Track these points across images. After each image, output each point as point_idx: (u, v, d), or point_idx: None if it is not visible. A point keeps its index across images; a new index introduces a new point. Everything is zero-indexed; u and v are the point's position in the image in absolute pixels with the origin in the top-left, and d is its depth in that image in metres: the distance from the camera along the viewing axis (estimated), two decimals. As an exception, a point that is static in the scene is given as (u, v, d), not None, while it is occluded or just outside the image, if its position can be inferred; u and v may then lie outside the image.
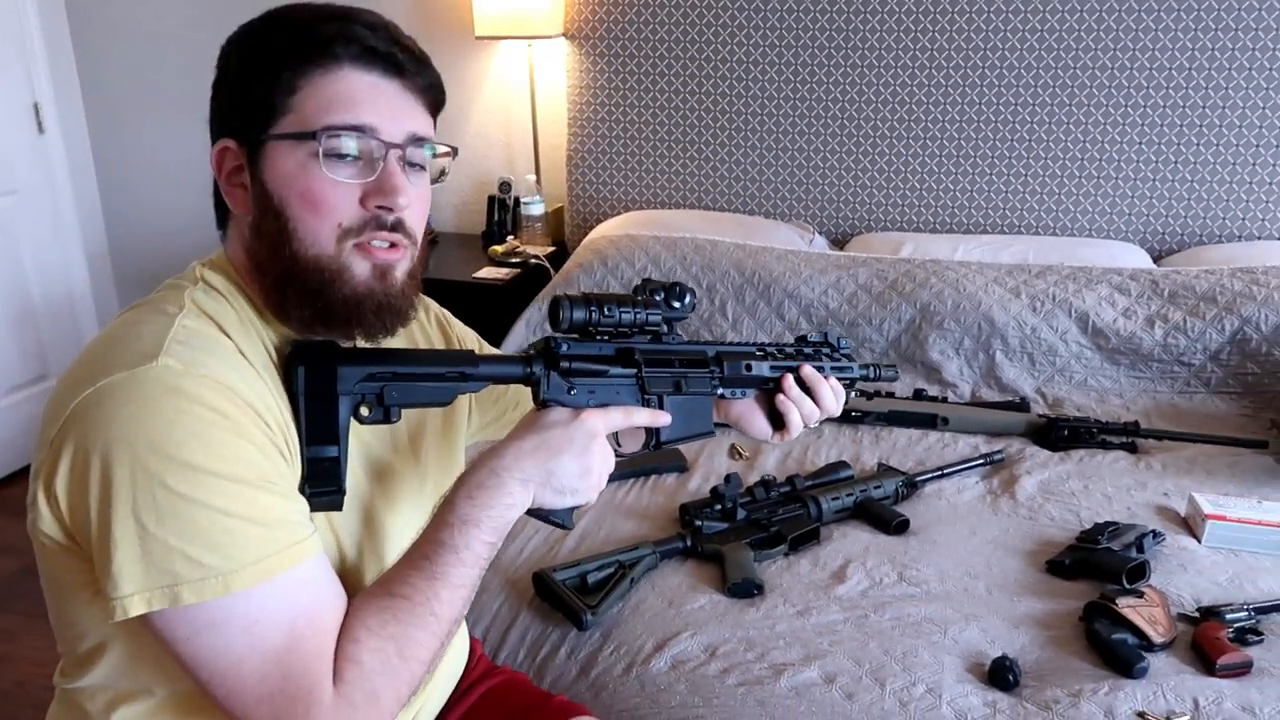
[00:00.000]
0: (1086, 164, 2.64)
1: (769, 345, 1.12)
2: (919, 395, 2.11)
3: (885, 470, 1.78)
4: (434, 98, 0.87)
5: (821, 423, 1.95)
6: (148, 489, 0.70)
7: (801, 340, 1.16)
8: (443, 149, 0.88)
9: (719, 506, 1.60)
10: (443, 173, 0.91)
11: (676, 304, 0.97)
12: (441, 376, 0.86)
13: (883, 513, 1.64)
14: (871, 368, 1.21)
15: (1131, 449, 1.92)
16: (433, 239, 3.15)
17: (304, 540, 0.77)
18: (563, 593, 1.39)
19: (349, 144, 0.80)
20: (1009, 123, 2.65)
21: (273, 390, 0.81)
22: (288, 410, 0.81)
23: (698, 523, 1.56)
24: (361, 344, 0.88)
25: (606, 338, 0.95)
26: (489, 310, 2.68)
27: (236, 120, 0.82)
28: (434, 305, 1.16)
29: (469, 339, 1.17)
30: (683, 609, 1.39)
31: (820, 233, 2.82)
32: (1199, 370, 2.17)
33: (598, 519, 1.65)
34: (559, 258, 2.95)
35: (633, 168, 2.96)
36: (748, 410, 1.12)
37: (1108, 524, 1.56)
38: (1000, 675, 1.24)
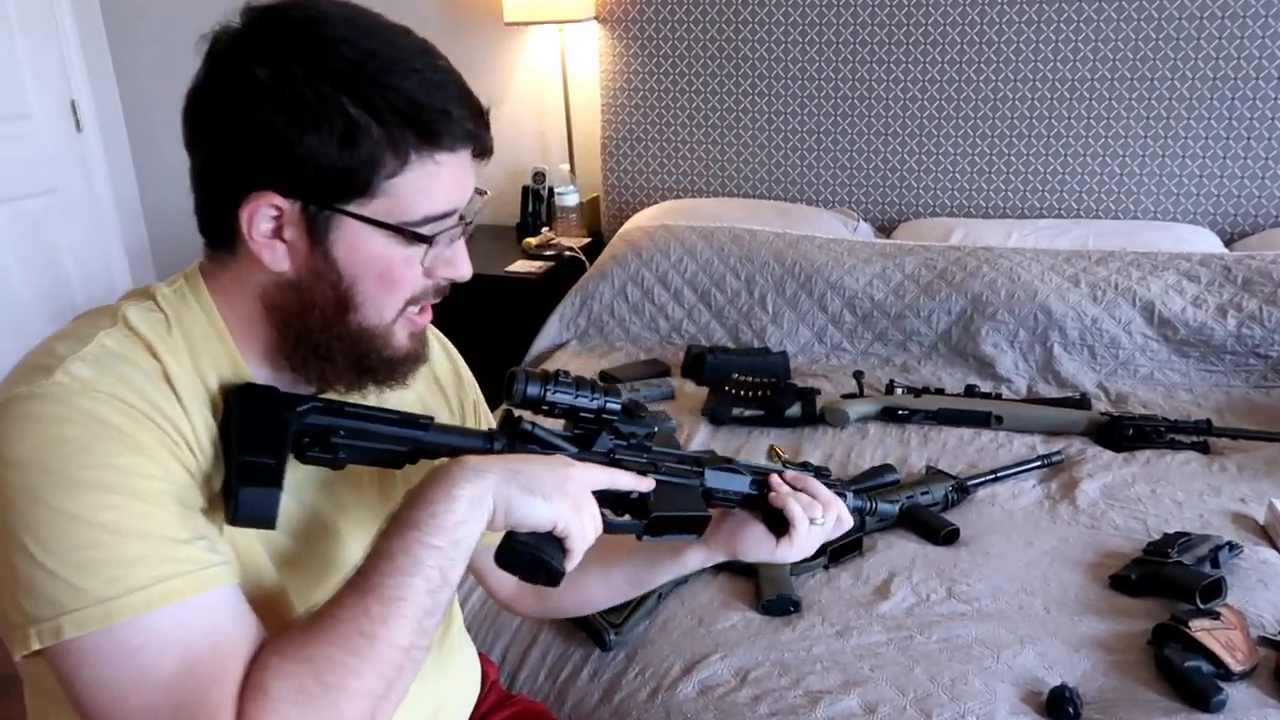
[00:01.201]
0: (1150, 141, 2.47)
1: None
2: (971, 391, 1.99)
3: (934, 474, 1.67)
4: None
5: (870, 419, 1.87)
6: (32, 510, 0.64)
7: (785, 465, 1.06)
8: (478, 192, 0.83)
9: (754, 515, 1.51)
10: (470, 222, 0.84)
11: (637, 419, 0.88)
12: (395, 423, 0.79)
13: (931, 521, 1.54)
14: (868, 498, 1.10)
15: (1203, 449, 1.78)
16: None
17: (209, 568, 0.69)
18: (585, 610, 1.31)
19: (445, 232, 0.77)
20: (1066, 99, 2.50)
21: (195, 421, 0.73)
22: (210, 442, 0.73)
23: (731, 533, 1.47)
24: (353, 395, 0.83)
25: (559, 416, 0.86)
26: (522, 305, 2.62)
27: (293, 180, 0.72)
28: (456, 362, 1.06)
29: (482, 411, 1.06)
30: (713, 628, 1.31)
31: (865, 219, 2.69)
32: (1277, 363, 2.01)
33: (626, 527, 1.57)
34: (596, 249, 2.87)
35: (669, 154, 2.86)
36: (741, 525, 0.97)
37: (1178, 534, 1.44)
38: (1059, 707, 1.13)
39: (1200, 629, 1.20)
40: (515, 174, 3.12)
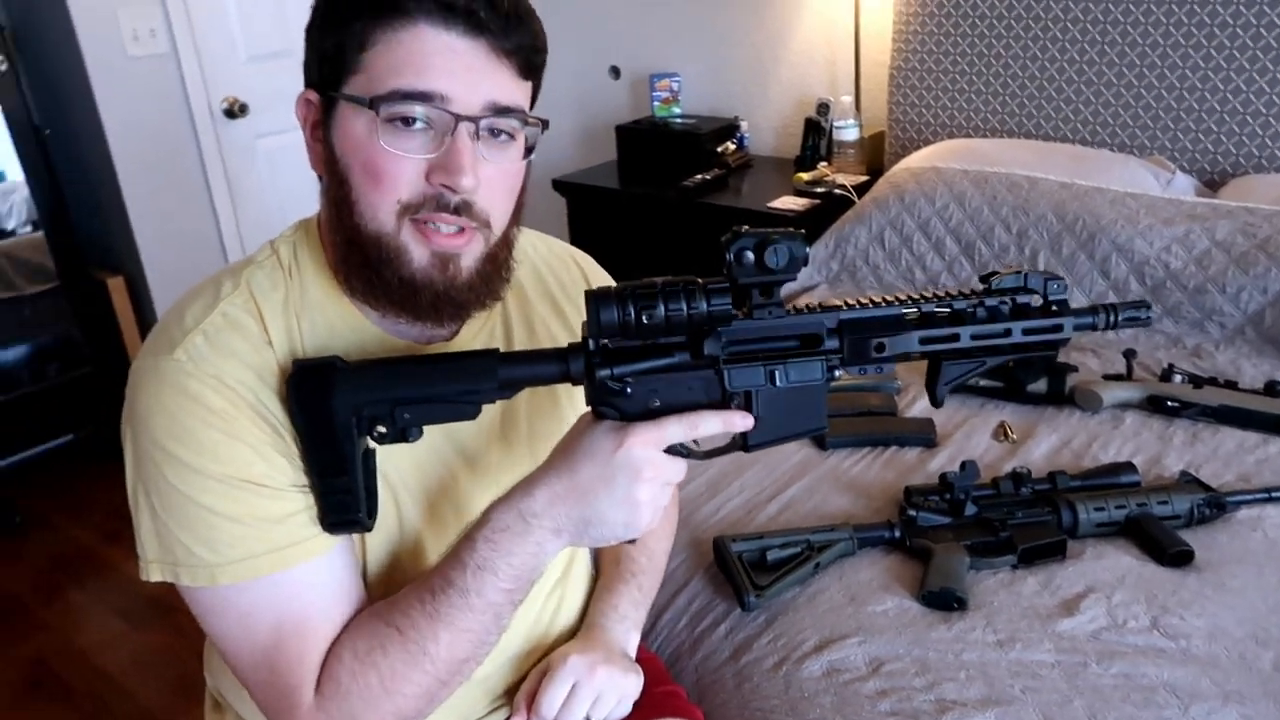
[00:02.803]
0: None
1: (933, 297, 0.82)
2: (1273, 389, 1.66)
3: (1187, 482, 1.43)
4: (524, 60, 0.77)
5: (1131, 407, 1.62)
6: (154, 476, 0.76)
7: (988, 283, 0.83)
8: (530, 120, 0.79)
9: (945, 496, 1.39)
10: (530, 149, 0.80)
11: (771, 263, 0.74)
12: (452, 398, 0.77)
13: (1159, 536, 1.32)
14: (1104, 312, 0.85)
15: None
16: (746, 162, 3.06)
17: (300, 543, 0.78)
18: (735, 566, 1.30)
19: (414, 112, 0.73)
20: None
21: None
22: None
23: (912, 512, 1.37)
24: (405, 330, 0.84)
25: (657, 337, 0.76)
26: (779, 242, 2.55)
27: (315, 70, 0.79)
28: (590, 274, 1.04)
29: None
30: (863, 609, 1.24)
31: (1190, 170, 2.29)
32: None
33: (811, 487, 1.52)
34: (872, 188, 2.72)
35: (960, 88, 2.61)
36: None
37: None
38: (1242, 785, 0.95)
39: None
40: (802, 105, 3.02)
